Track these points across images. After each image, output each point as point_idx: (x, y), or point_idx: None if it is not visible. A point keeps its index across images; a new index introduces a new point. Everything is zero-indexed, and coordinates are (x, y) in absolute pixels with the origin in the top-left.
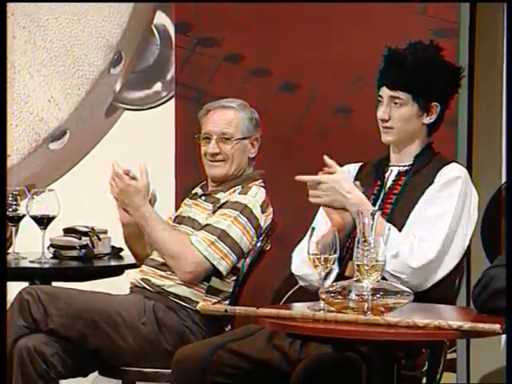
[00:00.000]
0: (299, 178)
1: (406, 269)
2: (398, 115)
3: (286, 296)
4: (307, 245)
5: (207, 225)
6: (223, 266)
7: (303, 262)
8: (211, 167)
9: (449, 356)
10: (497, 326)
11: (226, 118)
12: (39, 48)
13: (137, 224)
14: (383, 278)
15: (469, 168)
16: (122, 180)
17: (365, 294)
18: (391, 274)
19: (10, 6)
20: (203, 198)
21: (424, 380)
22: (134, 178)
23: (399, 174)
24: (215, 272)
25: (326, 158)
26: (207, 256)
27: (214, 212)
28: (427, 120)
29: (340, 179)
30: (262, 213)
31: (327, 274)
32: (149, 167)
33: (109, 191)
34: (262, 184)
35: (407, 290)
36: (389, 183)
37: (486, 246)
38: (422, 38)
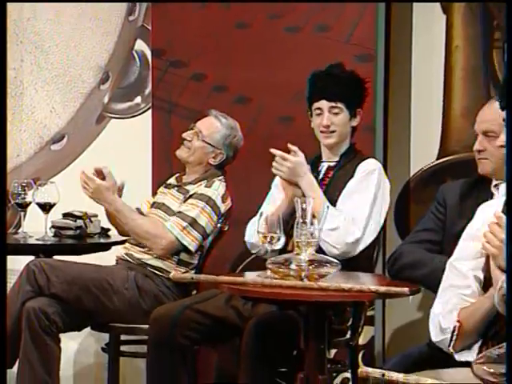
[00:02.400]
0: (273, 151)
1: (341, 242)
2: (337, 121)
3: (241, 266)
4: (257, 223)
5: (179, 212)
6: (192, 246)
7: (254, 232)
8: (180, 149)
9: (368, 313)
10: (405, 289)
11: (208, 123)
12: (43, 69)
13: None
14: (320, 248)
15: (384, 165)
16: (94, 182)
17: (302, 264)
18: (328, 244)
19: (19, 35)
20: (176, 188)
21: (349, 332)
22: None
23: (329, 168)
24: (185, 249)
25: (290, 145)
26: (180, 238)
27: (184, 201)
28: (354, 123)
29: (301, 162)
30: (223, 202)
31: (273, 249)
32: (131, 163)
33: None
34: (223, 178)
35: (336, 261)
36: (321, 175)
37: (398, 225)
38: (347, 62)
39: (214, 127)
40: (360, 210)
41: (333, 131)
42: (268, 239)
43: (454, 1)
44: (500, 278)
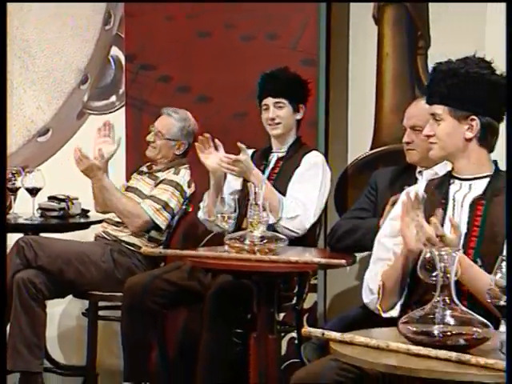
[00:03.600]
0: (225, 155)
1: (301, 228)
2: (281, 114)
3: (202, 242)
4: (216, 206)
5: (152, 196)
6: (163, 225)
7: (202, 209)
8: (148, 150)
9: (312, 281)
10: (343, 261)
11: (165, 122)
12: (30, 71)
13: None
14: (274, 230)
15: (326, 155)
16: (88, 160)
17: (255, 240)
18: (289, 230)
19: (9, 42)
20: (147, 175)
21: (295, 298)
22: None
23: (278, 158)
24: (156, 228)
25: (239, 144)
26: (154, 219)
27: (155, 186)
28: (298, 117)
29: (248, 159)
30: (188, 187)
31: (229, 227)
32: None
33: (79, 170)
34: (188, 167)
35: (283, 237)
36: (271, 165)
37: (337, 207)
38: (294, 67)
39: (169, 124)
40: (309, 197)
41: (278, 123)
42: (225, 218)
43: (388, 1)
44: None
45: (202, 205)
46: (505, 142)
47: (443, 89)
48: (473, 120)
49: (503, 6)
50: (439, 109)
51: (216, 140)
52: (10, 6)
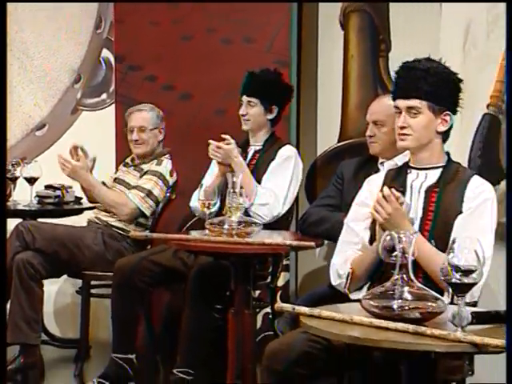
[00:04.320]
0: (210, 141)
1: (269, 215)
2: (251, 112)
3: (185, 227)
4: (198, 193)
5: (137, 185)
6: (148, 212)
7: (196, 199)
8: (135, 148)
9: (284, 262)
10: (312, 243)
11: (142, 117)
12: (28, 71)
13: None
14: (247, 214)
15: (297, 147)
16: (70, 163)
17: (233, 224)
18: (259, 216)
19: (9, 45)
20: (132, 167)
21: (269, 277)
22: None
23: (255, 152)
24: (142, 215)
25: (223, 135)
26: (139, 207)
27: (140, 177)
28: (270, 116)
29: (232, 148)
30: (170, 176)
31: (210, 213)
32: (99, 146)
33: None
34: (169, 157)
35: (259, 222)
36: (249, 157)
37: (307, 194)
38: (269, 67)
39: (146, 117)
40: (281, 188)
41: (247, 119)
42: (206, 205)
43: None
44: (382, 236)
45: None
46: (457, 134)
47: (424, 85)
48: (446, 115)
49: (457, 12)
50: (418, 103)
51: (223, 135)
52: (9, 6)
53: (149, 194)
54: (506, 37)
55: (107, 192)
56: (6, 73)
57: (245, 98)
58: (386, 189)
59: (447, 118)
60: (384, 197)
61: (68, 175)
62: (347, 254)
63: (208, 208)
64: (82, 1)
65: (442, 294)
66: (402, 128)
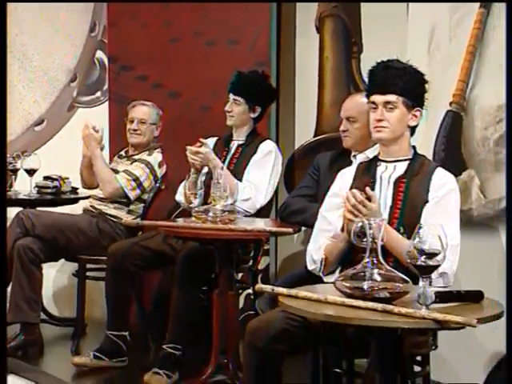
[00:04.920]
0: (188, 147)
1: (252, 208)
2: (236, 109)
3: (174, 215)
4: (184, 185)
5: (126, 170)
6: (132, 195)
7: (182, 193)
8: (131, 137)
9: (265, 247)
10: (290, 229)
11: (144, 110)
12: (27, 71)
13: (89, 157)
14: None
15: (277, 141)
16: (89, 129)
17: (217, 212)
18: (243, 210)
19: (9, 46)
20: (125, 158)
21: (251, 261)
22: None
23: (238, 146)
24: (126, 197)
25: (201, 140)
26: (124, 187)
27: (131, 164)
28: (253, 115)
29: (209, 151)
30: (159, 167)
31: (192, 204)
32: None
33: (70, 154)
34: (160, 150)
35: (242, 210)
36: (232, 151)
37: (286, 185)
38: (250, 68)
39: (148, 111)
40: (263, 181)
41: (232, 116)
42: (192, 195)
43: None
44: (351, 226)
45: (183, 185)
46: (423, 130)
47: (400, 82)
48: (417, 111)
49: (423, 17)
50: (395, 98)
51: (200, 139)
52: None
53: (135, 178)
54: (506, 37)
55: (103, 168)
56: (7, 72)
57: (231, 96)
58: (359, 195)
59: (417, 113)
60: (359, 201)
61: (83, 137)
62: (321, 242)
63: (194, 198)
64: (80, 0)
65: (409, 276)
66: (379, 121)
